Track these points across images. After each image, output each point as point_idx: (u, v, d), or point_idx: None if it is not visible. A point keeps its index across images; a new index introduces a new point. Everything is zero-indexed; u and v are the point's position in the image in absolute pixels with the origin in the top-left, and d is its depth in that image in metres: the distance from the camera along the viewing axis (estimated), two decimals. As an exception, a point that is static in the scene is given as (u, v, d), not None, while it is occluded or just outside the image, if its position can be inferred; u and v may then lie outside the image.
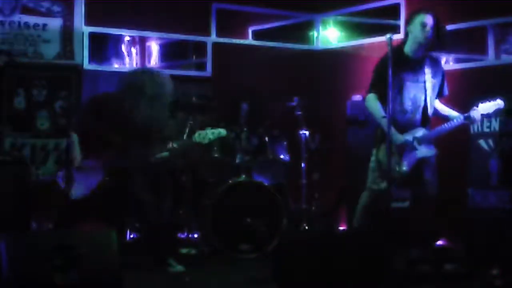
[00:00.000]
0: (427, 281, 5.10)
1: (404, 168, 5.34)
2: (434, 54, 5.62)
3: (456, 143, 6.09)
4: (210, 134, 5.38)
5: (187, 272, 5.45)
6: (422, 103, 5.43)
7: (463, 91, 6.25)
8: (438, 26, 5.39)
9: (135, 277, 4.99)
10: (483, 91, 6.02)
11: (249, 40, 8.06)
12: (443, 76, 5.58)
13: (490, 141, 5.80)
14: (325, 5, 7.89)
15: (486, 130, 5.82)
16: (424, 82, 5.41)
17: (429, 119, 5.48)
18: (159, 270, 5.43)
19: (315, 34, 8.16)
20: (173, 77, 7.28)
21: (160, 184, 6.01)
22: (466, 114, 5.36)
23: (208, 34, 7.56)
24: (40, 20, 6.76)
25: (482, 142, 5.84)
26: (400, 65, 5.26)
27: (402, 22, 7.02)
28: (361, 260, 4.36)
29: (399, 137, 5.33)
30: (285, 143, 6.64)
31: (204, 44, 7.61)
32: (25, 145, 6.52)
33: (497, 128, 5.76)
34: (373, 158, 5.52)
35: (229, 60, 7.57)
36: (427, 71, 5.43)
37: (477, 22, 6.50)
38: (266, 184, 6.34)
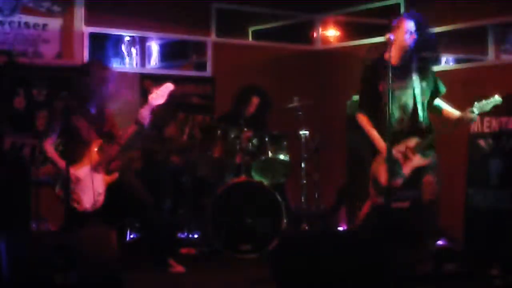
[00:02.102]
0: (427, 281, 5.10)
1: (398, 179, 5.25)
2: (420, 56, 5.54)
3: (456, 143, 6.09)
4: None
5: (187, 272, 5.45)
6: (412, 110, 5.32)
7: (463, 91, 6.25)
8: (423, 30, 5.32)
9: (135, 277, 4.99)
10: (483, 91, 6.03)
11: (249, 40, 8.06)
12: (433, 75, 5.45)
13: (490, 141, 5.80)
14: (325, 5, 7.89)
15: (486, 130, 5.82)
16: (413, 88, 5.30)
17: (423, 125, 5.32)
18: (159, 270, 5.43)
19: (315, 34, 8.17)
20: (173, 77, 7.35)
21: (160, 184, 6.02)
22: (461, 115, 5.24)
23: (208, 34, 7.57)
24: (40, 20, 6.76)
25: (482, 142, 5.83)
26: (385, 75, 5.16)
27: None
28: (361, 260, 4.36)
29: (383, 147, 5.23)
30: (285, 143, 6.64)
31: (204, 44, 7.62)
32: (25, 145, 6.52)
33: (497, 128, 5.76)
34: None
35: (229, 60, 7.57)
36: (415, 75, 5.31)
37: (477, 22, 6.49)
38: (266, 184, 6.34)
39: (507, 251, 5.39)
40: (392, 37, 4.98)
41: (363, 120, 5.42)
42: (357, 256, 4.37)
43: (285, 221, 6.23)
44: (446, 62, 7.43)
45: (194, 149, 6.43)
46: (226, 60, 7.56)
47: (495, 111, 5.37)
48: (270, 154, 6.52)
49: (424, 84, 5.32)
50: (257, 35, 8.14)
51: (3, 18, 6.60)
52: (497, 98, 5.21)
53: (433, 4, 6.78)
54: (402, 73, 5.29)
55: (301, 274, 4.32)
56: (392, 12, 7.21)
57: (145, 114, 5.16)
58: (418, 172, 5.31)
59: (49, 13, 6.80)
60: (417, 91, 5.28)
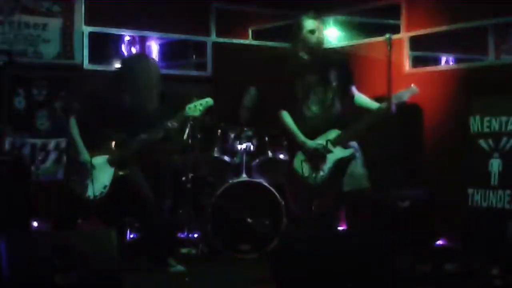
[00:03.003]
0: (427, 281, 5.10)
1: (321, 174, 5.24)
2: (333, 49, 5.57)
3: (456, 143, 6.09)
4: (199, 105, 5.40)
5: (187, 272, 5.45)
6: (331, 104, 5.33)
7: (463, 91, 6.25)
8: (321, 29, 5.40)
9: (135, 277, 5.00)
10: (483, 91, 6.03)
11: (249, 40, 8.06)
12: (345, 67, 5.45)
13: (490, 141, 5.80)
14: (325, 5, 7.88)
15: (486, 130, 5.82)
16: (330, 81, 5.31)
17: (343, 119, 5.33)
18: (159, 270, 5.43)
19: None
20: (173, 77, 7.35)
21: (160, 184, 6.01)
22: (378, 106, 5.20)
23: (208, 34, 7.57)
24: (40, 20, 6.76)
25: (482, 142, 5.83)
26: (300, 70, 5.30)
27: (402, 22, 7.02)
28: (361, 260, 4.36)
29: (309, 143, 5.27)
30: (285, 143, 6.64)
31: (204, 44, 7.61)
32: (25, 145, 6.52)
33: (497, 128, 5.76)
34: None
35: (229, 60, 7.57)
36: (331, 69, 5.32)
37: (477, 22, 6.49)
38: (266, 184, 6.34)
39: (507, 251, 5.39)
40: (392, 37, 4.99)
41: (285, 117, 5.40)
42: (357, 256, 4.37)
43: (285, 221, 6.23)
44: (446, 62, 7.43)
45: (194, 149, 6.43)
46: (226, 60, 7.55)
47: (495, 111, 5.37)
48: (270, 154, 6.52)
49: (339, 76, 5.32)
50: (257, 35, 8.13)
51: (3, 18, 6.59)
52: (413, 88, 5.20)
53: (433, 4, 6.79)
54: (317, 67, 5.33)
55: (301, 274, 4.32)
56: (392, 12, 7.22)
57: None
58: (341, 164, 5.27)
59: (49, 13, 6.80)
60: (334, 84, 5.30)
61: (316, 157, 5.25)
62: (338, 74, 5.32)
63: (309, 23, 5.40)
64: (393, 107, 5.10)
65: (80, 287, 4.01)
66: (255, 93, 6.84)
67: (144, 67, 5.44)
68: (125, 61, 5.89)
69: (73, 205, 5.38)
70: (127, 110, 5.38)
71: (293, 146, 5.43)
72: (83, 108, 5.56)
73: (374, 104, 5.29)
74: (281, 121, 5.43)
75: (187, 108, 5.40)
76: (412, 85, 5.22)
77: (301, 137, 5.29)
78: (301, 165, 5.30)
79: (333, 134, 5.28)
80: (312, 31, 5.36)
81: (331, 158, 5.26)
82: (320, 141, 5.27)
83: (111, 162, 5.31)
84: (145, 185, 5.44)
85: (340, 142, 5.26)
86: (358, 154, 5.31)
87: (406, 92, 5.19)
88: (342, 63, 5.46)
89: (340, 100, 5.34)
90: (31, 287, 3.91)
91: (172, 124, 5.35)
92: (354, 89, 5.40)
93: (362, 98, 5.39)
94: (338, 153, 5.26)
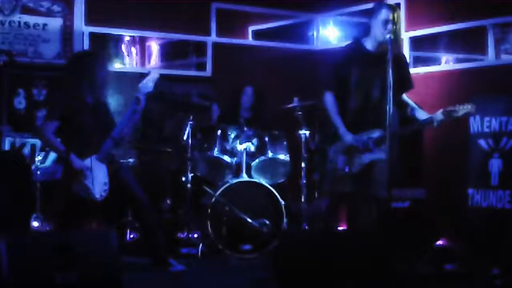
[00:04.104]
0: (427, 281, 5.10)
1: (353, 169, 5.16)
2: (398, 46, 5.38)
3: (456, 143, 6.09)
4: (149, 82, 5.32)
5: (187, 272, 5.45)
6: (380, 101, 5.09)
7: (463, 91, 6.25)
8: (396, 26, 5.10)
9: (135, 277, 5.00)
10: (483, 91, 6.03)
11: (249, 40, 8.06)
12: (406, 69, 5.33)
13: (490, 141, 5.80)
14: (325, 5, 7.89)
15: (486, 130, 5.82)
16: (384, 78, 4.88)
17: (387, 117, 4.88)
18: (159, 270, 5.43)
19: (315, 34, 8.16)
20: (173, 77, 7.35)
21: (160, 184, 6.01)
22: (429, 117, 5.11)
23: (208, 34, 7.57)
24: (40, 20, 6.76)
25: (482, 142, 5.83)
26: (358, 62, 5.15)
27: (402, 22, 7.02)
28: (361, 260, 4.36)
29: (349, 138, 5.15)
30: (285, 143, 6.64)
31: (204, 44, 7.61)
32: (25, 145, 6.52)
33: (497, 128, 5.76)
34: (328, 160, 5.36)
35: (229, 60, 7.57)
36: (388, 66, 4.89)
37: (477, 22, 6.49)
38: (266, 184, 6.34)
39: (507, 251, 5.39)
40: (392, 37, 4.96)
41: (329, 101, 5.27)
42: (357, 256, 4.37)
43: (285, 221, 6.23)
44: (446, 62, 7.43)
45: (194, 149, 6.43)
46: (226, 60, 7.55)
47: (495, 111, 5.38)
48: (270, 154, 6.52)
49: (396, 76, 4.90)
50: (257, 35, 8.13)
51: (3, 18, 6.60)
52: (468, 107, 5.00)
53: (433, 4, 6.79)
54: (376, 61, 5.11)
55: (301, 274, 4.32)
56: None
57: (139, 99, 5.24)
58: (369, 169, 5.18)
59: (49, 13, 6.80)
60: (388, 82, 4.86)
61: (353, 151, 5.17)
62: (398, 73, 4.97)
63: (384, 13, 5.10)
64: (443, 121, 5.01)
65: (80, 287, 4.01)
66: (251, 93, 6.84)
67: (99, 63, 5.34)
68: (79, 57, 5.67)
69: (78, 207, 5.34)
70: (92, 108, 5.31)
71: (332, 135, 5.27)
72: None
73: (422, 113, 5.21)
74: (323, 102, 5.28)
75: (139, 86, 5.31)
76: (469, 105, 5.00)
77: (343, 128, 5.14)
78: (336, 156, 5.23)
79: (376, 133, 5.15)
80: (386, 22, 5.07)
81: (368, 157, 5.17)
82: (363, 137, 5.15)
83: (100, 159, 5.25)
84: (138, 186, 5.41)
85: (381, 143, 5.10)
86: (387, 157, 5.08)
87: (462, 110, 5.00)
88: (405, 64, 5.32)
89: (390, 100, 4.94)
90: (31, 287, 3.91)
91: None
92: (405, 95, 5.30)
93: (410, 102, 5.31)
94: (377, 154, 5.15)
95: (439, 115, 5.02)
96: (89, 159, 5.18)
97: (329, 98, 5.29)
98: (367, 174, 5.18)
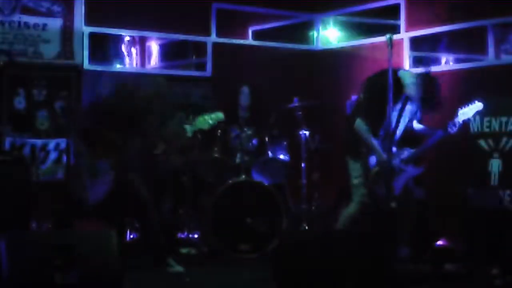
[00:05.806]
0: (427, 281, 5.10)
1: (393, 204, 5.10)
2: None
3: (456, 143, 6.09)
4: (209, 119, 5.40)
5: (187, 272, 5.45)
6: (403, 126, 5.43)
7: (463, 91, 6.25)
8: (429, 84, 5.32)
9: (135, 277, 5.00)
10: (483, 91, 6.02)
11: (249, 40, 8.06)
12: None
13: (490, 141, 5.80)
14: (325, 5, 7.89)
15: (486, 130, 5.82)
16: (401, 110, 5.37)
17: (409, 140, 5.48)
18: (159, 270, 5.43)
19: (315, 34, 8.16)
20: (173, 77, 7.35)
21: (160, 184, 6.01)
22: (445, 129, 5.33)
23: (208, 34, 7.56)
24: (40, 20, 6.76)
25: (482, 142, 5.83)
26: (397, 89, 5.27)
27: (402, 22, 7.03)
28: (361, 260, 4.36)
29: (386, 161, 5.17)
30: (285, 143, 6.64)
31: (204, 44, 7.61)
32: (25, 145, 6.52)
33: (497, 128, 5.76)
34: (355, 174, 5.51)
35: (229, 60, 7.57)
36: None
37: (477, 22, 6.49)
38: (266, 184, 6.34)
39: (507, 251, 5.39)
40: (392, 37, 4.97)
41: (362, 126, 5.40)
42: (357, 256, 4.37)
43: (285, 221, 6.23)
44: (446, 62, 7.43)
45: (194, 149, 6.43)
46: (226, 60, 7.55)
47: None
48: (270, 154, 6.52)
49: (410, 108, 5.40)
50: (257, 35, 8.13)
51: (3, 18, 6.59)
52: (478, 104, 5.28)
53: (433, 4, 6.79)
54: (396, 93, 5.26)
55: (301, 274, 4.32)
56: (392, 12, 7.22)
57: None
58: (406, 186, 5.42)
59: (49, 13, 6.80)
60: (405, 113, 5.38)
61: (389, 176, 5.21)
62: (409, 105, 5.39)
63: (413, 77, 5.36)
64: (460, 125, 5.27)
65: (80, 287, 4.01)
66: (248, 92, 6.83)
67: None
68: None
69: (73, 206, 5.37)
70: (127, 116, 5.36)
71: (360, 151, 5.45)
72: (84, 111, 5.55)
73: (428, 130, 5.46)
74: (356, 129, 5.42)
75: (197, 121, 5.40)
76: (476, 101, 5.28)
77: (381, 153, 5.27)
78: (376, 177, 5.34)
79: (405, 153, 5.39)
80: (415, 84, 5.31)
81: (404, 177, 5.38)
82: (394, 160, 5.28)
83: (113, 166, 5.27)
84: (143, 185, 5.42)
85: (410, 161, 5.39)
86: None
87: (472, 109, 5.27)
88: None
89: (402, 129, 5.43)
90: (31, 287, 3.91)
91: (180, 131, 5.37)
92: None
93: (420, 126, 5.55)
94: (411, 171, 5.40)
95: (456, 123, 5.27)
96: (102, 162, 5.24)
97: (361, 124, 5.41)
98: (404, 191, 5.40)
